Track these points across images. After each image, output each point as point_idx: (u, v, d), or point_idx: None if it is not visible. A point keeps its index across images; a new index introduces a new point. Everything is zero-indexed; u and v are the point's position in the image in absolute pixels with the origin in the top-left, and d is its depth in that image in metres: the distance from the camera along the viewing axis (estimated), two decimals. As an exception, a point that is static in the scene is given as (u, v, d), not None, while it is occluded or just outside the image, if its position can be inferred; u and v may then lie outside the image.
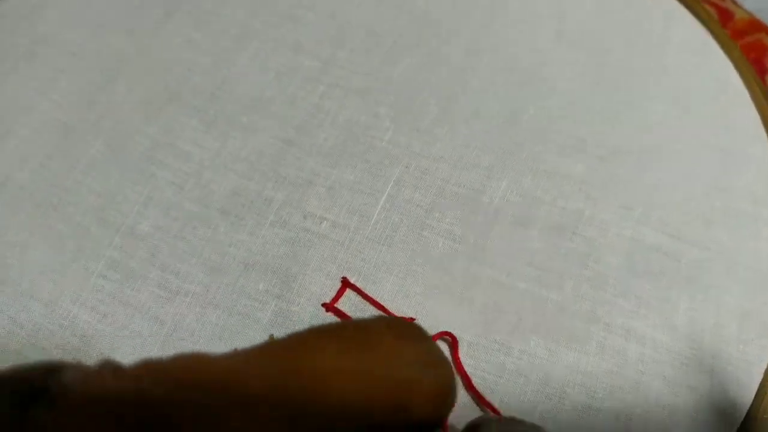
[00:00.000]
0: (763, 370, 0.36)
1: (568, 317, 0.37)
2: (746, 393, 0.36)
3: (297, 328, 0.37)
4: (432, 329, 0.36)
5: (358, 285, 0.38)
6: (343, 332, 0.22)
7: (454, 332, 0.36)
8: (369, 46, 0.46)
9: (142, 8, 0.48)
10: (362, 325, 0.23)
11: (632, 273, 0.39)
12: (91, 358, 0.36)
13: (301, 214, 0.40)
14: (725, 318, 0.38)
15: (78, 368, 0.20)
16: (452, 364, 0.35)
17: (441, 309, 0.37)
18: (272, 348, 0.22)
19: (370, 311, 0.37)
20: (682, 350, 0.37)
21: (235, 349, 0.23)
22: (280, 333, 0.37)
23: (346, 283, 0.38)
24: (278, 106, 0.44)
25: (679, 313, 0.38)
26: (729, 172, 0.42)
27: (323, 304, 0.37)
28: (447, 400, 0.22)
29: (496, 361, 0.36)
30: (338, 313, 0.37)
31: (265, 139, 0.43)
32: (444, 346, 0.36)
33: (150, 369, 0.19)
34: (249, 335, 0.37)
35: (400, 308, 0.37)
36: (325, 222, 0.40)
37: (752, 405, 0.36)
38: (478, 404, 0.35)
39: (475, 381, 0.35)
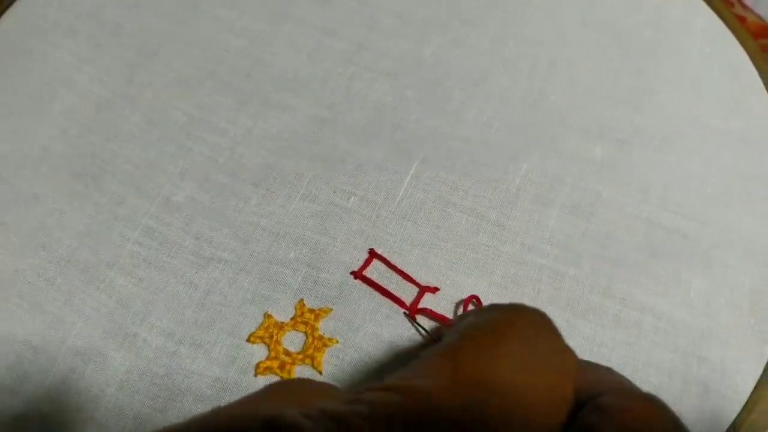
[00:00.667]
0: (773, 346, 0.38)
1: (586, 291, 0.39)
2: (757, 364, 0.37)
3: (326, 293, 0.38)
4: (455, 298, 0.38)
5: (384, 256, 0.39)
6: (497, 328, 0.21)
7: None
8: (398, 31, 0.48)
9: (179, -9, 0.50)
10: (507, 318, 0.22)
11: (649, 253, 0.40)
12: (125, 318, 0.38)
13: (331, 189, 0.42)
14: (739, 295, 0.39)
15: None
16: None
17: (463, 280, 0.39)
18: (444, 365, 0.20)
19: (396, 281, 0.39)
20: (695, 323, 0.38)
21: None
22: (309, 297, 0.38)
23: (373, 254, 0.39)
24: (310, 86, 0.46)
25: (693, 290, 0.39)
26: (745, 157, 0.43)
27: (351, 272, 0.39)
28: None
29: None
30: (366, 280, 0.38)
31: (298, 117, 0.44)
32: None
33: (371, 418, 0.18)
34: (279, 299, 0.38)
35: (424, 279, 0.39)
36: (354, 197, 0.41)
37: (762, 375, 0.37)
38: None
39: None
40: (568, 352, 0.22)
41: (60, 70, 0.47)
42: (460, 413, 0.18)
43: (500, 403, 0.18)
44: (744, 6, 0.83)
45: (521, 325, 0.21)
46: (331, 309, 0.38)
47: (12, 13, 0.49)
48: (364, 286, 0.39)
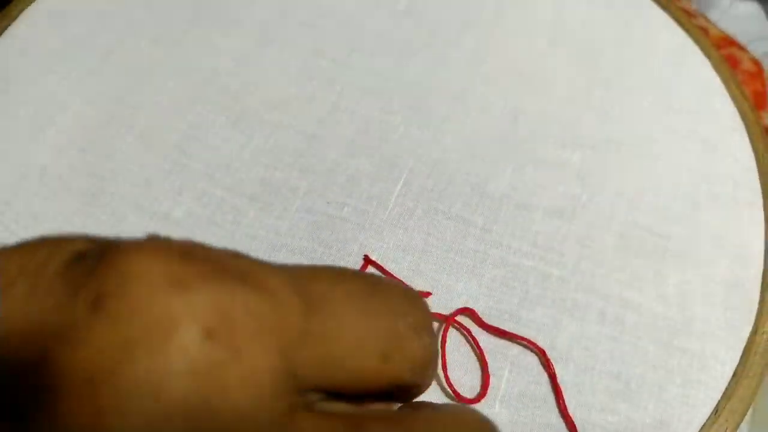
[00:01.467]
0: (748, 334, 0.40)
1: (571, 290, 0.41)
2: (734, 354, 0.40)
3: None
4: (446, 302, 0.40)
5: (378, 263, 0.41)
6: (360, 275, 0.22)
7: (467, 305, 0.40)
8: (381, 50, 0.50)
9: (167, 17, 0.52)
10: (378, 278, 0.23)
11: (626, 251, 0.43)
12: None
13: (324, 200, 0.44)
14: (712, 288, 0.42)
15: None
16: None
17: (454, 284, 0.41)
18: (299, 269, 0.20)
19: (392, 284, 0.40)
20: (674, 317, 0.41)
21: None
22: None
23: (368, 261, 0.41)
24: (299, 104, 0.48)
25: (670, 284, 0.42)
26: (712, 160, 0.46)
27: (347, 280, 0.41)
28: (426, 370, 0.22)
29: (506, 330, 0.39)
30: (362, 287, 0.40)
31: (288, 133, 0.46)
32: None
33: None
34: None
35: (416, 284, 0.41)
36: (347, 207, 0.43)
37: (739, 364, 0.40)
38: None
39: (488, 347, 0.39)
40: None
41: (53, 94, 0.48)
42: None
43: None
44: (706, 18, 0.87)
45: (384, 283, 0.22)
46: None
47: (1, 40, 0.50)
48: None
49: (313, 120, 0.47)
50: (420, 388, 0.22)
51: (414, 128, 0.46)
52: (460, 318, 0.40)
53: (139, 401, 0.14)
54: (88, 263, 0.16)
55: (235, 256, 0.18)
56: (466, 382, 0.38)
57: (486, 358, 0.38)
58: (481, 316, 0.40)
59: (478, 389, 0.38)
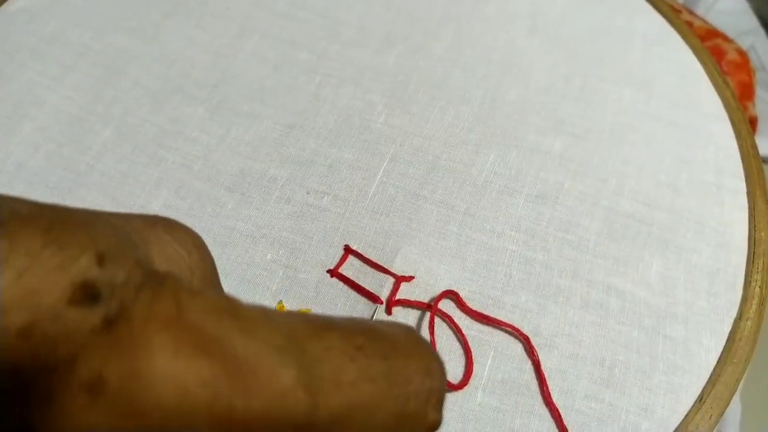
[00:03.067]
0: (732, 320, 0.40)
1: (555, 275, 0.41)
2: (718, 340, 0.39)
3: (304, 293, 0.39)
4: (430, 287, 0.40)
5: (360, 251, 0.41)
6: (380, 339, 0.21)
7: (450, 288, 0.40)
8: (360, 41, 0.50)
9: (143, 10, 0.51)
10: (388, 334, 0.22)
11: (610, 237, 0.42)
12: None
13: (304, 190, 0.43)
14: (696, 275, 0.41)
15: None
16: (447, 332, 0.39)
17: (437, 267, 0.40)
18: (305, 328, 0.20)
19: (373, 273, 0.40)
20: (658, 303, 0.40)
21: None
22: (288, 298, 0.39)
23: (348, 250, 0.41)
24: (278, 95, 0.47)
25: (653, 271, 0.41)
26: (693, 146, 0.46)
27: (328, 271, 0.40)
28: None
29: (489, 315, 0.39)
30: (342, 278, 0.40)
31: (267, 124, 0.46)
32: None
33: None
34: (259, 301, 0.39)
35: (399, 268, 0.40)
36: (327, 197, 0.43)
37: (723, 350, 0.39)
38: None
39: (472, 333, 0.38)
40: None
41: (29, 90, 0.47)
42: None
43: None
44: (691, 12, 0.87)
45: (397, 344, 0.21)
46: (310, 309, 0.39)
47: (-24, 37, 0.50)
48: (341, 283, 0.40)
49: (292, 110, 0.46)
50: None
51: (394, 117, 0.46)
52: (444, 303, 0.39)
53: None
54: (93, 315, 0.15)
55: (250, 333, 0.17)
56: (449, 370, 0.37)
57: (469, 345, 0.38)
58: (464, 301, 0.39)
59: (460, 376, 0.37)
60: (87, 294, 0.15)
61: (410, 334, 0.21)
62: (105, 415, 0.14)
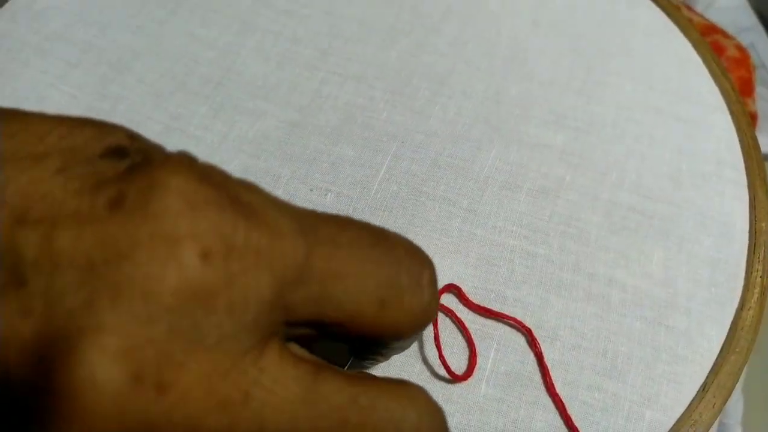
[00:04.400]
0: (734, 310, 0.40)
1: (557, 269, 0.41)
2: (720, 330, 0.40)
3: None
4: (433, 282, 0.40)
5: (363, 246, 0.41)
6: (368, 226, 0.23)
7: (453, 283, 0.40)
8: (362, 37, 0.50)
9: (146, 8, 0.52)
10: (385, 231, 0.24)
11: (611, 230, 0.43)
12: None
13: (308, 187, 0.43)
14: (697, 265, 0.42)
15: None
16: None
17: (439, 262, 0.41)
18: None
19: (376, 267, 0.40)
20: (660, 294, 0.40)
21: None
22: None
23: (352, 245, 0.41)
24: (280, 92, 0.47)
25: (655, 262, 0.41)
26: (694, 139, 0.46)
27: (332, 265, 0.40)
28: (423, 326, 0.22)
29: (492, 309, 0.39)
30: (346, 271, 0.40)
31: (270, 121, 0.46)
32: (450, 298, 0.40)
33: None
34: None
35: (402, 266, 0.40)
36: (330, 193, 0.43)
37: (726, 340, 0.39)
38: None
39: (475, 327, 0.39)
40: None
41: (33, 88, 0.48)
42: None
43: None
44: (689, 9, 0.88)
45: (391, 236, 0.23)
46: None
47: (-20, 37, 0.50)
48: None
49: (295, 107, 0.47)
50: (405, 344, 0.22)
51: (396, 113, 0.46)
52: (445, 298, 0.39)
53: (128, 298, 0.15)
54: (121, 164, 0.17)
55: (252, 191, 0.19)
56: (452, 363, 0.38)
57: (472, 338, 0.38)
58: (467, 295, 0.39)
59: (463, 369, 0.38)
60: (117, 151, 0.18)
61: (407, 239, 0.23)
62: (121, 224, 0.16)
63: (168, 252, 0.16)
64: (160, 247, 0.16)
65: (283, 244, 0.18)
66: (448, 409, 0.36)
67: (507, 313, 0.39)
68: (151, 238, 0.16)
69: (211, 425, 0.16)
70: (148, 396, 0.15)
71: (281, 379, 0.17)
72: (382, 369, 0.37)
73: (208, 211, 0.17)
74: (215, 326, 0.16)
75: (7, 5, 0.52)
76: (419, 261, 0.22)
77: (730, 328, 0.40)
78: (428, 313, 0.22)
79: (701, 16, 0.91)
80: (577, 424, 0.37)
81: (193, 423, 0.16)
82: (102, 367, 0.15)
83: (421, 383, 0.30)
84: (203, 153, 0.45)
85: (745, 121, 0.46)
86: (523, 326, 0.39)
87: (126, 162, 0.17)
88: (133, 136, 0.19)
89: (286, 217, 0.19)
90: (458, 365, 0.38)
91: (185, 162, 0.18)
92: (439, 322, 0.39)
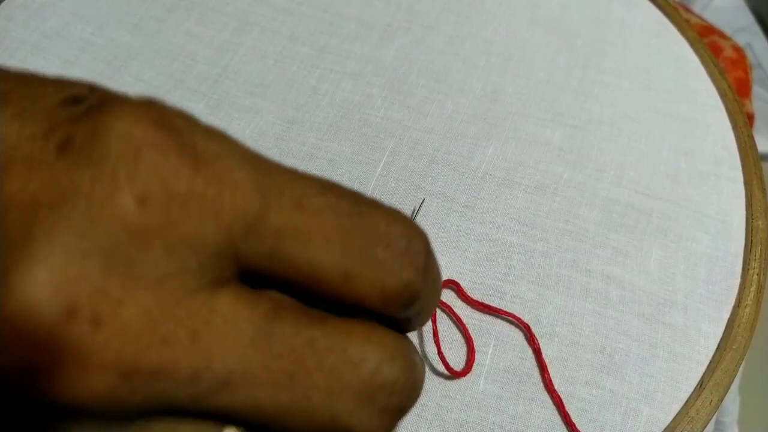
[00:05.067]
0: (731, 308, 0.40)
1: (554, 265, 0.41)
2: (717, 327, 0.40)
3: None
4: (431, 278, 0.40)
5: (360, 242, 0.41)
6: (352, 193, 0.22)
7: (452, 278, 0.40)
8: (360, 35, 0.50)
9: (144, 5, 0.52)
10: (374, 201, 0.23)
11: (609, 227, 0.43)
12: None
13: (305, 183, 0.43)
14: (694, 263, 0.42)
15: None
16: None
17: (438, 258, 0.41)
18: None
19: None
20: (657, 292, 0.40)
21: None
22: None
23: (350, 241, 0.41)
24: (278, 89, 0.47)
25: (652, 259, 0.41)
26: (691, 137, 0.46)
27: (330, 261, 0.40)
28: (409, 306, 0.20)
29: (490, 304, 0.39)
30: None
31: (268, 119, 0.46)
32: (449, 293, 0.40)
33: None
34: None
35: (400, 262, 0.40)
36: (327, 190, 0.43)
37: (722, 337, 0.39)
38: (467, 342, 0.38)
39: (473, 323, 0.39)
40: None
41: (30, 85, 0.47)
42: None
43: None
44: (687, 9, 0.88)
45: (371, 203, 0.21)
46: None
47: (-23, 34, 0.50)
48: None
49: (292, 105, 0.47)
50: (410, 323, 0.22)
51: (394, 110, 0.46)
52: (444, 294, 0.39)
53: (63, 235, 0.16)
54: (78, 109, 0.17)
55: (216, 140, 0.18)
56: (450, 359, 0.38)
57: (471, 334, 0.38)
58: (465, 291, 0.39)
59: (462, 365, 0.38)
60: (76, 99, 0.18)
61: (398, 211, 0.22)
62: (66, 168, 0.16)
63: (105, 195, 0.16)
64: (99, 191, 0.16)
65: (233, 195, 0.17)
66: (446, 405, 0.36)
67: (505, 309, 0.39)
68: (92, 181, 0.16)
69: (153, 360, 0.17)
70: (82, 329, 0.16)
71: (233, 320, 0.18)
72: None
73: (151, 156, 0.17)
74: (153, 264, 0.16)
75: (4, 3, 0.52)
76: (406, 237, 0.21)
77: (727, 326, 0.40)
78: (410, 292, 0.21)
79: (699, 17, 0.91)
80: (574, 420, 0.36)
81: (133, 357, 0.16)
82: (34, 297, 0.15)
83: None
84: (201, 150, 0.45)
85: (741, 120, 0.47)
86: (521, 322, 0.39)
87: (83, 107, 0.18)
88: (95, 88, 0.19)
89: (245, 170, 0.18)
90: (457, 361, 0.38)
91: (142, 106, 0.17)
92: (437, 318, 0.39)
